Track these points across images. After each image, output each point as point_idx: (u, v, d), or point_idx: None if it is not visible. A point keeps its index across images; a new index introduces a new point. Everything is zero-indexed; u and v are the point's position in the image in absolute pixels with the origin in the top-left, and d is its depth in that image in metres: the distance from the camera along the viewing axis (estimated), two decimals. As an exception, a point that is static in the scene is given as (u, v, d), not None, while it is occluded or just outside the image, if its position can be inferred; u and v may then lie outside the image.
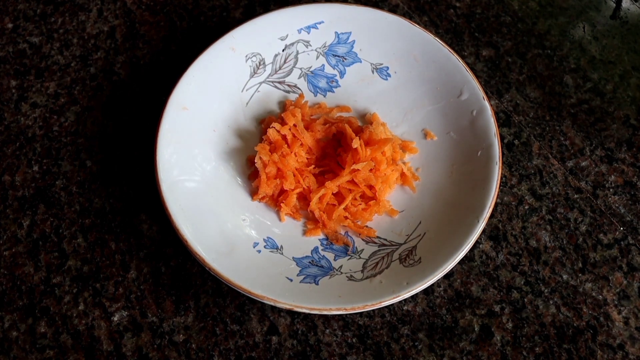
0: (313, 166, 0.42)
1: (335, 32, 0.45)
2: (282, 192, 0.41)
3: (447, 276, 0.40)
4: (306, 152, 0.42)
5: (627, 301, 0.39)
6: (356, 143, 0.39)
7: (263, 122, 0.44)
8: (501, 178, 0.41)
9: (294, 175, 0.40)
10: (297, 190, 0.40)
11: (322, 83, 0.46)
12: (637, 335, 0.38)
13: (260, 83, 0.45)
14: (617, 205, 0.42)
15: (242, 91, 0.44)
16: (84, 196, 0.42)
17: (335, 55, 0.46)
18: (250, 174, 0.42)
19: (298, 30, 0.45)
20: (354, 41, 0.46)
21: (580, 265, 0.40)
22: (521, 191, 0.43)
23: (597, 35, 0.50)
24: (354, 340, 0.38)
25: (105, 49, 0.49)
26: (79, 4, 0.51)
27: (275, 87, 0.45)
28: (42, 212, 0.42)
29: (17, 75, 0.48)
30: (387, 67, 0.45)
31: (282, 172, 0.40)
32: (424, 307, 0.39)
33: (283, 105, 0.45)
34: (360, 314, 0.38)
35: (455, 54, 0.43)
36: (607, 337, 0.38)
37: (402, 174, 0.42)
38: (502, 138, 0.45)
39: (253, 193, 0.41)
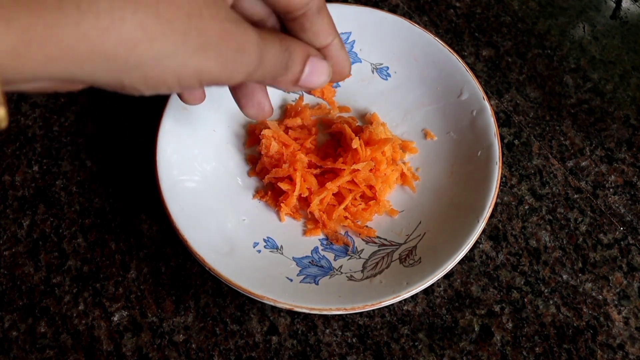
0: (314, 168, 0.42)
1: (335, 32, 0.45)
2: (282, 191, 0.41)
3: (447, 276, 0.40)
4: (307, 154, 0.42)
5: (627, 301, 0.39)
6: (356, 143, 0.39)
7: (252, 128, 0.43)
8: (501, 178, 0.41)
9: (304, 180, 0.40)
10: (298, 194, 0.40)
11: (322, 83, 0.46)
12: (637, 335, 0.38)
13: (261, 83, 0.45)
14: (617, 205, 0.42)
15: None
16: (84, 196, 0.42)
17: (335, 55, 0.46)
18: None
19: (298, 30, 0.45)
20: (354, 41, 0.46)
21: (580, 265, 0.40)
22: (521, 191, 0.43)
23: (597, 35, 0.50)
24: (354, 340, 0.38)
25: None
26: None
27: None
28: (42, 212, 0.42)
29: (17, 75, 0.47)
30: (387, 67, 0.45)
31: (282, 158, 0.40)
32: (424, 307, 0.39)
33: (285, 110, 0.45)
34: (360, 314, 0.38)
35: (455, 54, 0.43)
36: (607, 337, 0.38)
37: (402, 174, 0.42)
38: (502, 138, 0.45)
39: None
